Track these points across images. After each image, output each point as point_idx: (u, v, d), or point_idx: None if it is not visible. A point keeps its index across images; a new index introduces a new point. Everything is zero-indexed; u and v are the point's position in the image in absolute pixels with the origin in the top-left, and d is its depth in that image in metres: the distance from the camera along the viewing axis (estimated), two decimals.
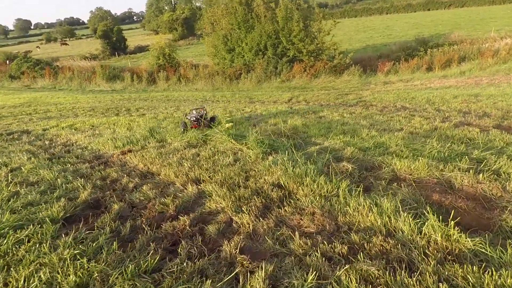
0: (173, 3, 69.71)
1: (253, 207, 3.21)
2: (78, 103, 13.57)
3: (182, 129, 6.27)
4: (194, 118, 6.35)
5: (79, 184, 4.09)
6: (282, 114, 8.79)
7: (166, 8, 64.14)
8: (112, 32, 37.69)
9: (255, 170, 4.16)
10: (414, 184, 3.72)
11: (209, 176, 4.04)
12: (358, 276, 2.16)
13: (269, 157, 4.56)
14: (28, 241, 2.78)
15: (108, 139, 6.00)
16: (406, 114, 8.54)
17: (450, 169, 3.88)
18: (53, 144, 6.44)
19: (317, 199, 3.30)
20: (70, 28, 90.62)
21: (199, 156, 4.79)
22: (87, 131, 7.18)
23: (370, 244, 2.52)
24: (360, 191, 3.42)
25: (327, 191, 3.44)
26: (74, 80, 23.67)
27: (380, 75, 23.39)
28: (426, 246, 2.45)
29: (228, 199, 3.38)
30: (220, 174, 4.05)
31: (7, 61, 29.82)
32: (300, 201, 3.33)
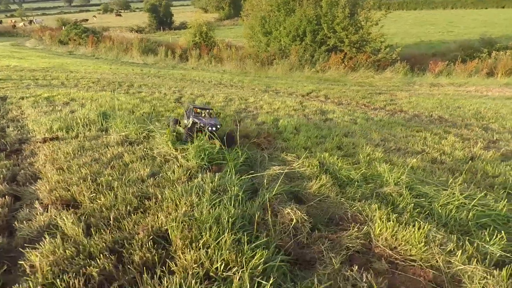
0: None
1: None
2: (93, 73, 12.95)
3: (171, 129, 4.17)
4: (190, 124, 4.06)
5: None
6: (281, 111, 7.16)
7: None
8: (160, 7, 37.37)
9: (157, 198, 2.74)
10: (393, 272, 2.08)
11: (89, 198, 2.71)
12: None
13: (198, 178, 3.10)
14: None
15: (49, 120, 4.90)
16: (439, 130, 6.44)
17: (467, 255, 2.15)
18: (1, 117, 5.54)
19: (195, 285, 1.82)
20: (126, 0, 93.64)
21: (112, 162, 3.46)
22: (55, 106, 6.22)
23: None
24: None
25: (219, 270, 1.93)
26: (112, 51, 23.58)
27: (429, 76, 20.19)
28: None
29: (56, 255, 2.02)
30: (104, 198, 2.70)
31: (63, 27, 30.88)
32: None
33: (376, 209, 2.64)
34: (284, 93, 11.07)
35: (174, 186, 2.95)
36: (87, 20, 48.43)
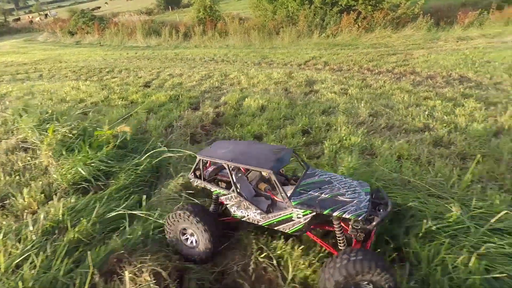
0: None
1: None
2: (82, 61, 12.19)
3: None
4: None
5: None
6: (260, 85, 5.90)
7: None
8: None
9: None
10: None
11: None
12: None
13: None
14: None
15: None
16: (456, 94, 4.85)
17: None
18: None
19: None
20: None
21: None
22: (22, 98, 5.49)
23: None
24: None
25: None
26: (118, 36, 22.70)
27: (457, 29, 17.32)
28: None
29: None
30: None
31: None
32: None
33: None
34: (278, 64, 9.61)
35: None
36: (99, 7, 47.65)
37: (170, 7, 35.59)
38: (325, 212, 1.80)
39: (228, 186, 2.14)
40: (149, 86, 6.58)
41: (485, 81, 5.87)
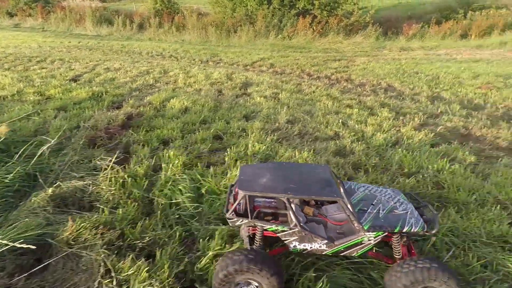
0: None
1: None
2: (12, 48, 11.02)
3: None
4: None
5: None
6: (196, 85, 5.76)
7: None
8: None
9: None
10: None
11: None
12: None
13: None
14: None
15: None
16: (376, 102, 5.13)
17: None
18: None
19: None
20: None
21: None
22: None
23: None
24: None
25: None
26: (64, 22, 20.96)
27: (401, 40, 18.53)
28: None
29: None
30: None
31: None
32: None
33: None
34: (226, 63, 9.49)
35: None
36: None
37: None
38: (396, 230, 1.80)
39: (275, 217, 1.95)
40: (76, 81, 6.10)
41: (407, 91, 6.30)
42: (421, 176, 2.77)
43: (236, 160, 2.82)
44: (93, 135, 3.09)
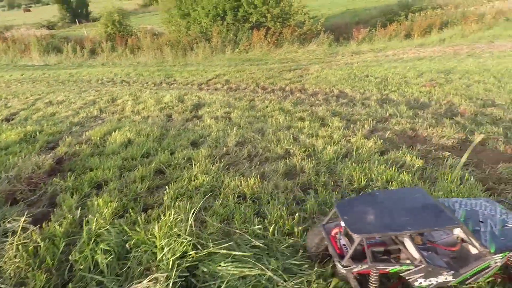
0: None
1: None
2: None
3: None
4: None
5: None
6: (144, 112, 5.43)
7: None
8: None
9: None
10: None
11: None
12: None
13: None
14: None
15: None
16: (328, 111, 5.12)
17: None
18: None
19: None
20: None
21: None
22: None
23: None
24: None
25: None
26: (8, 53, 19.57)
27: (352, 44, 19.35)
28: None
29: None
30: None
31: None
32: None
33: None
34: (180, 83, 9.20)
35: None
36: None
37: (77, 20, 32.30)
38: None
39: (387, 255, 1.78)
40: (10, 120, 5.52)
41: (358, 96, 6.39)
42: (370, 190, 2.67)
43: (177, 198, 2.56)
44: (11, 188, 2.68)
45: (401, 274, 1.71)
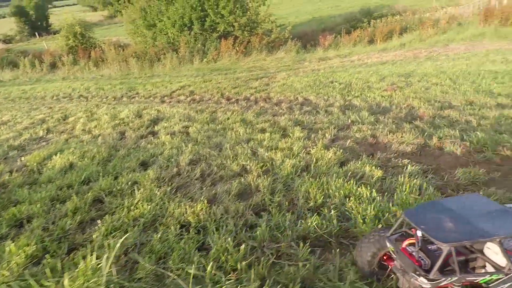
0: None
1: None
2: None
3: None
4: None
5: None
6: (96, 130, 4.98)
7: None
8: (31, 9, 30.21)
9: None
10: None
11: None
12: None
13: None
14: None
15: None
16: (290, 121, 4.96)
17: None
18: None
19: None
20: None
21: None
22: None
23: None
24: None
25: None
26: None
27: (319, 51, 19.71)
28: None
29: None
30: None
31: None
32: None
33: None
34: (142, 96, 8.75)
35: None
36: None
37: (37, 33, 30.57)
38: None
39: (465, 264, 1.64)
40: None
41: (322, 103, 6.31)
42: (326, 209, 2.47)
43: (110, 234, 2.21)
44: None
45: (491, 285, 1.56)
